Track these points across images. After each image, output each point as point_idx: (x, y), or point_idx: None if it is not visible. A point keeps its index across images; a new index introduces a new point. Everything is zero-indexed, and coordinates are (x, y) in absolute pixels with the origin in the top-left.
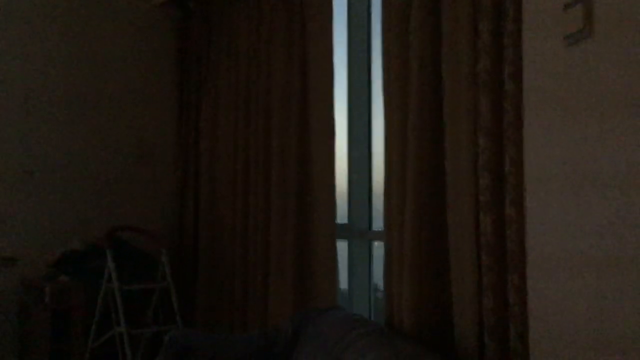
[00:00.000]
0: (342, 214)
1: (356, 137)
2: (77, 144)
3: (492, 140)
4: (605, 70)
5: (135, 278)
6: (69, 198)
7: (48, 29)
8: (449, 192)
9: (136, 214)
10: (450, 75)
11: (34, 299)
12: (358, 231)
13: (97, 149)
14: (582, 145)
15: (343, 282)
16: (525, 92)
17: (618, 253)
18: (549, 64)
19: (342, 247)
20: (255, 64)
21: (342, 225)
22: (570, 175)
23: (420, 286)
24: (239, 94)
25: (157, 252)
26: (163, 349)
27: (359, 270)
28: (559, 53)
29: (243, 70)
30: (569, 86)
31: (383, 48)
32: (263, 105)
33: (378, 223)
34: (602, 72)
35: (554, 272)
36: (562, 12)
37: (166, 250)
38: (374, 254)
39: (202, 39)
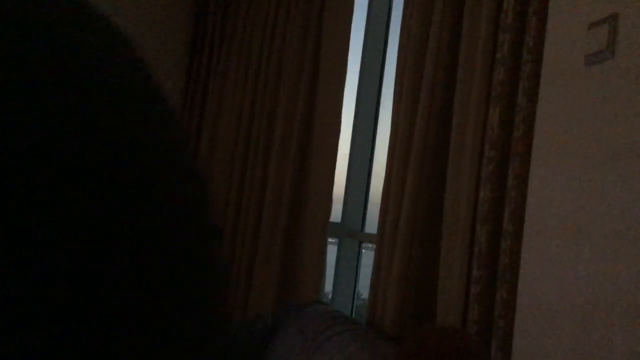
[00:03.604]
0: (335, 212)
1: (360, 136)
2: None
3: (499, 152)
4: (624, 92)
5: None
6: None
7: None
8: (447, 200)
9: None
10: (464, 84)
11: None
12: (349, 231)
13: None
14: (591, 165)
15: (327, 284)
16: (539, 108)
17: (613, 289)
18: (566, 82)
19: (331, 250)
20: (267, 55)
21: (334, 224)
22: (575, 196)
23: (406, 291)
24: (247, 80)
25: None
26: None
27: (345, 273)
28: (578, 72)
29: (254, 58)
30: (584, 105)
31: (399, 51)
32: (270, 95)
33: (370, 227)
34: (620, 93)
35: (545, 290)
36: (586, 31)
37: None
38: (363, 261)
39: (218, 24)
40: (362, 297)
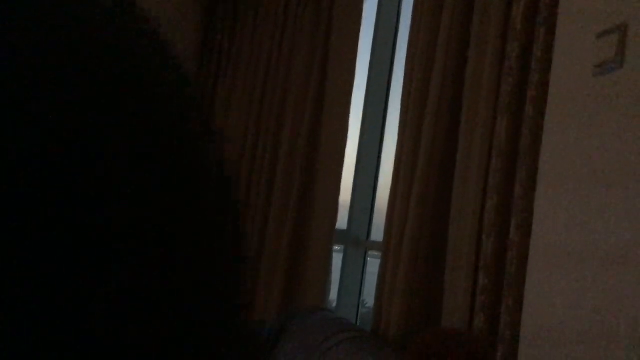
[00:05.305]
0: (341, 220)
1: (367, 144)
2: None
3: (506, 162)
4: (632, 103)
5: None
6: None
7: None
8: (453, 209)
9: None
10: (471, 94)
11: None
12: (355, 239)
13: None
14: (600, 177)
15: (332, 292)
16: (546, 119)
17: (617, 289)
18: (574, 92)
19: (336, 257)
20: (275, 63)
21: (340, 231)
22: (581, 205)
23: (412, 299)
24: (255, 85)
25: None
26: None
27: (350, 281)
28: (586, 82)
29: (262, 66)
30: (592, 116)
31: (407, 62)
32: (278, 103)
33: (376, 235)
34: (629, 104)
35: (551, 298)
36: (595, 40)
37: None
38: (368, 269)
39: (226, 33)
40: (366, 305)
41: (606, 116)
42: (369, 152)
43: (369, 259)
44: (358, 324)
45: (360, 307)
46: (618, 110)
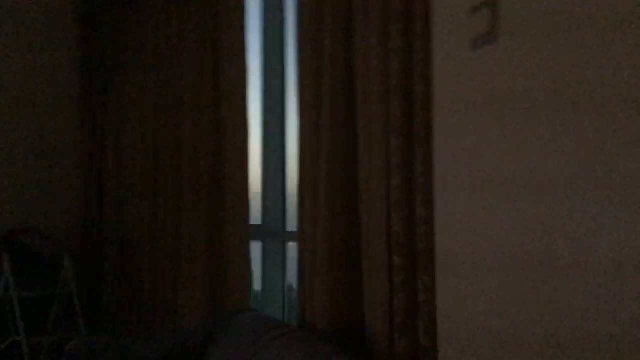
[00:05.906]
0: (255, 215)
1: (270, 137)
2: None
3: (404, 141)
4: (508, 75)
5: (35, 283)
6: None
7: None
8: (361, 193)
9: (36, 215)
10: (362, 76)
11: None
12: (272, 232)
13: None
14: (487, 147)
15: (257, 283)
16: (435, 95)
17: (522, 254)
18: (455, 67)
19: (256, 247)
20: (167, 59)
21: (256, 226)
22: (477, 176)
23: (333, 287)
24: (148, 90)
25: (59, 255)
26: (64, 357)
27: (273, 271)
28: (465, 56)
29: (152, 66)
30: (473, 90)
31: (297, 49)
32: (174, 102)
33: (292, 224)
34: (505, 76)
35: (461, 271)
36: (470, 15)
37: (69, 255)
38: (289, 254)
39: (109, 34)
40: (294, 289)
41: (487, 90)
42: (273, 143)
43: (290, 244)
44: (286, 311)
45: (286, 294)
46: (495, 83)
